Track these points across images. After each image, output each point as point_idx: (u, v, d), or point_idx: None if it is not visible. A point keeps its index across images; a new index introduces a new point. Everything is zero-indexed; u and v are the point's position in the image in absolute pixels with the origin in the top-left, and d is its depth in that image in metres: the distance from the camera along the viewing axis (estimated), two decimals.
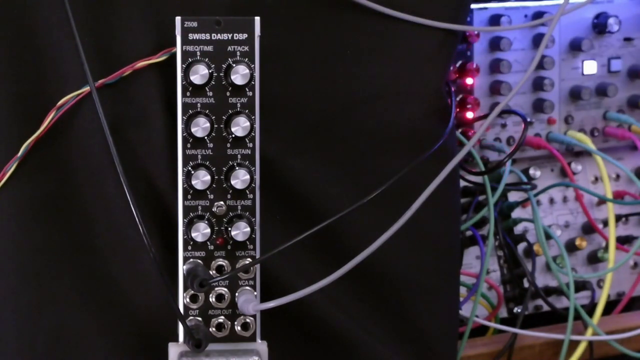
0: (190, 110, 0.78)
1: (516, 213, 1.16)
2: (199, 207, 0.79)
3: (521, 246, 1.16)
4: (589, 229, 1.20)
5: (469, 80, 1.11)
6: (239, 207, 0.79)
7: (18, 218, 0.81)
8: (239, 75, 0.78)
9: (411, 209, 0.80)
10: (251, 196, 0.79)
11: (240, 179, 0.78)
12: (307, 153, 0.86)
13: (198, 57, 0.78)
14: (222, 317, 0.79)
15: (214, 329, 0.79)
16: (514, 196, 1.16)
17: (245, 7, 0.82)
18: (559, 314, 1.14)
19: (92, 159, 0.81)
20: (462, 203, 1.10)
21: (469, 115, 1.10)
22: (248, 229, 0.78)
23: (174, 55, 0.79)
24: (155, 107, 0.81)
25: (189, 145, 0.78)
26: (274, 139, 0.83)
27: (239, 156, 0.79)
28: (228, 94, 0.78)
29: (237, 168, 0.78)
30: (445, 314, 0.93)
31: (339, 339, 0.88)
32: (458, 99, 1.11)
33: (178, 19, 0.77)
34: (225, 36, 0.78)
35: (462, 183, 1.08)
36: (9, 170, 0.80)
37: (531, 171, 1.17)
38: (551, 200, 1.19)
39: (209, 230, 0.78)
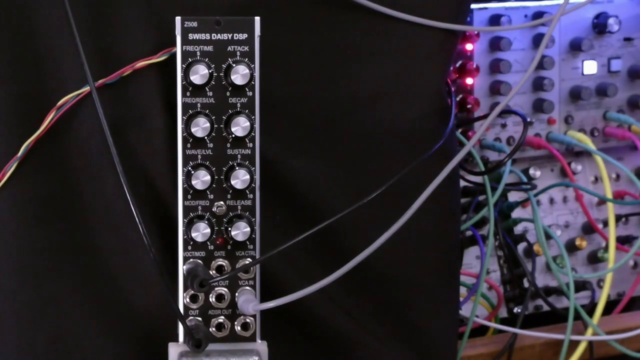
0: (190, 110, 0.78)
1: (516, 213, 1.16)
2: (199, 207, 0.79)
3: (521, 246, 1.16)
4: (589, 229, 1.20)
5: (469, 80, 1.11)
6: (239, 207, 0.79)
7: (18, 218, 0.81)
8: (239, 75, 0.78)
9: (411, 209, 0.80)
10: (251, 196, 0.79)
11: (240, 179, 0.78)
12: (307, 153, 0.86)
13: (198, 57, 0.78)
14: (222, 317, 0.79)
15: (214, 329, 0.79)
16: (514, 196, 1.16)
17: (245, 7, 0.82)
18: (559, 314, 1.14)
19: (92, 159, 0.81)
20: (462, 203, 1.10)
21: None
22: (248, 229, 0.78)
23: (174, 55, 0.79)
24: (155, 107, 0.81)
25: (189, 145, 0.78)
26: (274, 139, 0.83)
27: (239, 156, 0.79)
28: (228, 94, 0.78)
29: (237, 168, 0.78)
30: (445, 314, 0.93)
31: (339, 339, 0.88)
32: (458, 99, 1.11)
33: (178, 19, 0.77)
34: (225, 36, 0.78)
35: (462, 183, 1.08)
36: (9, 170, 0.80)
37: (531, 171, 1.17)
38: (551, 200, 1.19)
39: (209, 230, 0.78)
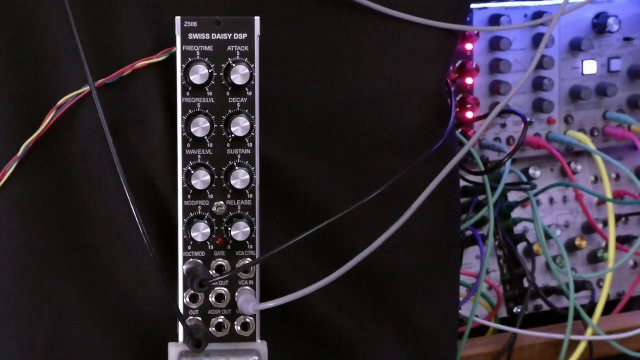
0: (190, 110, 0.78)
1: (516, 213, 1.16)
2: (199, 207, 0.79)
3: (521, 246, 1.16)
4: (589, 229, 1.20)
5: (469, 80, 1.11)
6: (239, 207, 0.79)
7: (18, 218, 0.81)
8: (239, 75, 0.78)
9: (411, 209, 0.80)
10: (251, 196, 0.79)
11: (240, 179, 0.78)
12: (307, 153, 0.86)
13: (198, 57, 0.78)
14: (222, 317, 0.79)
15: (214, 329, 0.79)
16: (514, 196, 1.16)
17: (245, 7, 0.82)
18: (559, 314, 1.14)
19: (92, 159, 0.81)
20: (462, 203, 1.10)
21: (469, 115, 1.10)
22: (248, 229, 0.78)
23: (174, 55, 0.79)
24: (155, 107, 0.81)
25: (189, 145, 0.78)
26: (274, 139, 0.83)
27: (239, 156, 0.79)
28: (228, 94, 0.78)
29: (237, 168, 0.78)
30: (445, 314, 0.93)
31: (339, 339, 0.88)
32: (458, 99, 1.11)
33: (178, 19, 0.77)
34: (225, 36, 0.78)
35: (462, 183, 1.08)
36: (9, 170, 0.80)
37: (531, 171, 1.17)
38: (551, 200, 1.19)
39: (209, 230, 0.78)
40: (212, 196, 0.79)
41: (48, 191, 0.81)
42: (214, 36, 0.78)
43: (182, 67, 0.78)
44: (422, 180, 0.82)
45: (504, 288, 1.16)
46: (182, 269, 0.79)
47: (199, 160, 0.78)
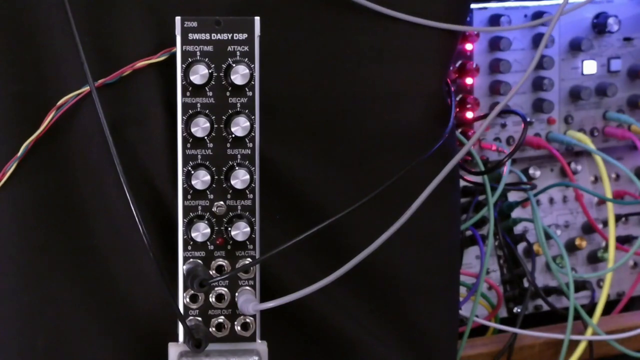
0: (190, 110, 0.78)
1: (516, 213, 1.16)
2: (199, 207, 0.79)
3: (521, 246, 1.16)
4: (588, 228, 1.20)
5: (469, 80, 1.11)
6: (239, 207, 0.79)
7: (18, 218, 0.81)
8: (239, 75, 0.78)
9: (411, 209, 0.80)
10: (251, 196, 0.79)
11: (240, 179, 0.78)
12: (307, 153, 0.86)
13: (198, 57, 0.78)
14: (222, 317, 0.79)
15: (214, 329, 0.79)
16: (513, 196, 1.16)
17: (245, 7, 0.82)
18: (559, 313, 1.14)
19: (92, 159, 0.81)
20: (462, 203, 1.10)
21: (469, 115, 1.10)
22: (248, 229, 0.78)
23: (174, 55, 0.79)
24: (155, 107, 0.81)
25: (189, 145, 0.78)
26: (274, 139, 0.83)
27: (239, 156, 0.79)
28: (228, 94, 0.78)
29: (237, 168, 0.78)
30: (445, 314, 0.93)
31: (339, 339, 0.88)
32: (458, 99, 1.11)
33: (178, 19, 0.77)
34: (225, 36, 0.78)
35: (462, 183, 1.08)
36: (9, 170, 0.80)
37: (531, 171, 1.17)
38: (551, 200, 1.19)
39: (208, 230, 0.78)
40: (212, 196, 0.79)
41: (48, 191, 0.81)
42: (214, 36, 0.78)
43: (182, 67, 0.78)
44: (422, 180, 0.82)
45: (504, 288, 1.16)
46: (182, 269, 0.79)
47: (199, 160, 0.78)
